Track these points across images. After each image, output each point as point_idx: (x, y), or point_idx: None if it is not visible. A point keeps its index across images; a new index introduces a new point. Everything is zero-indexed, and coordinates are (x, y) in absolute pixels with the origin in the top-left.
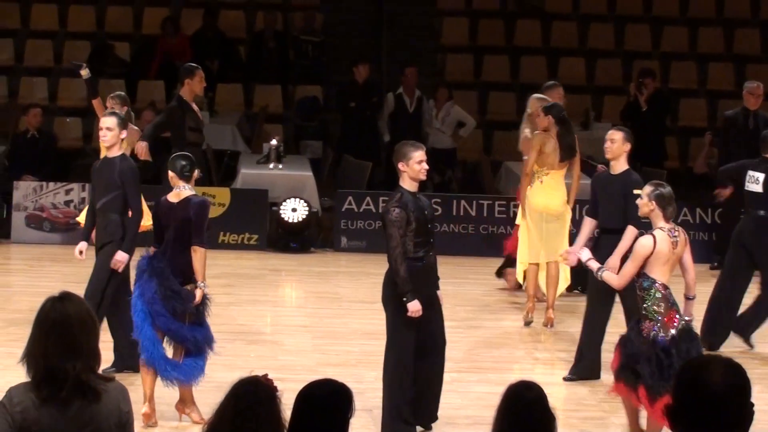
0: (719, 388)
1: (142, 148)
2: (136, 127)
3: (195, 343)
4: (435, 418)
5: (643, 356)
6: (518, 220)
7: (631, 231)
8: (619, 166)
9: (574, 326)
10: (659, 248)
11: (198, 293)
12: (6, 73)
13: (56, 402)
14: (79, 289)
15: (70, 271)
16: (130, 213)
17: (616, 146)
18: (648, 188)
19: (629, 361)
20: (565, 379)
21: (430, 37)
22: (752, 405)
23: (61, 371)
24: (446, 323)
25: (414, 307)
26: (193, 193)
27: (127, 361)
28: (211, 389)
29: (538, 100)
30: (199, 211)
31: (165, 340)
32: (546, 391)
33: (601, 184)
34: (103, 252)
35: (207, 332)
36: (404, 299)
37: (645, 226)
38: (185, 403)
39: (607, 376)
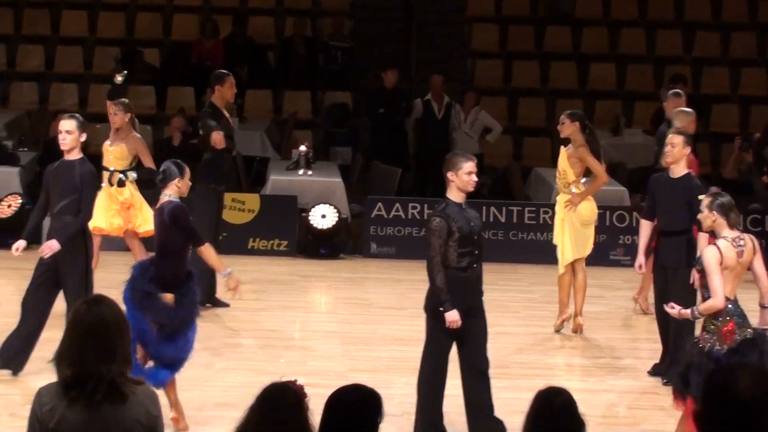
0: (746, 395)
1: (221, 137)
2: (138, 135)
3: (159, 355)
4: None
5: (694, 366)
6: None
7: (703, 237)
8: (679, 170)
9: (602, 333)
10: (723, 258)
11: (231, 281)
12: (36, 80)
13: (84, 403)
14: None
15: (100, 276)
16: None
17: (677, 150)
18: (706, 200)
19: (684, 370)
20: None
21: (459, 42)
22: None
23: (95, 374)
24: None
25: (451, 317)
26: (170, 199)
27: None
28: (242, 394)
29: (685, 114)
30: (174, 215)
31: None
32: (576, 397)
33: (661, 187)
34: (70, 264)
35: (177, 351)
36: (440, 309)
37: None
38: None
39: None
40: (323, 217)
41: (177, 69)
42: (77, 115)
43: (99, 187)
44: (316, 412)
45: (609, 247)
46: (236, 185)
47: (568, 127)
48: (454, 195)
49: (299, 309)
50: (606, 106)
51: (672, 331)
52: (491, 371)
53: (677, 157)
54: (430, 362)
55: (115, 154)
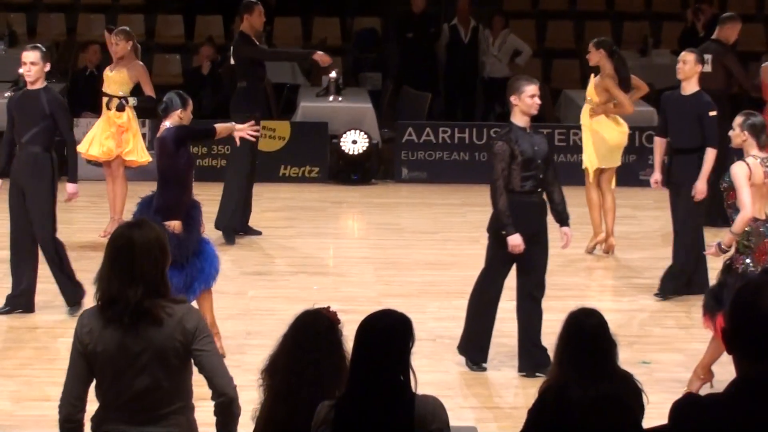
0: None
1: (322, 55)
2: (141, 63)
3: (192, 276)
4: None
5: (728, 285)
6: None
7: (711, 153)
8: (690, 87)
9: (634, 253)
10: (752, 175)
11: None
12: (64, 10)
13: (119, 325)
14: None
15: (130, 206)
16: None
17: (689, 67)
18: (739, 119)
19: (717, 288)
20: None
21: None
22: None
23: (122, 296)
24: None
25: (514, 241)
26: (168, 126)
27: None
28: (275, 322)
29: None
30: (177, 135)
31: None
32: (607, 317)
33: (672, 104)
34: (36, 194)
35: (185, 276)
36: (503, 233)
37: (721, 147)
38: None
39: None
40: (354, 143)
41: None
42: (39, 45)
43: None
44: (349, 338)
45: (638, 167)
46: (267, 113)
47: (594, 56)
48: (518, 119)
49: (331, 235)
50: (633, 27)
51: (682, 246)
52: None
53: (689, 74)
54: (485, 284)
55: (115, 79)
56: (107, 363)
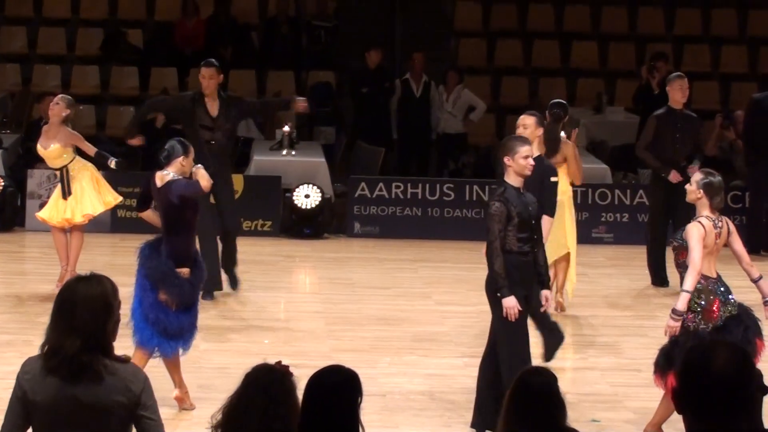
0: (722, 372)
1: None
2: (68, 131)
3: (179, 328)
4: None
5: (679, 344)
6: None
7: (546, 221)
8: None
9: (584, 311)
10: (706, 237)
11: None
12: (19, 61)
13: (59, 376)
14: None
15: (84, 258)
16: None
17: (529, 131)
18: (698, 176)
19: (669, 347)
20: None
21: (442, 22)
22: (763, 389)
23: (61, 347)
24: (459, 308)
25: (508, 303)
26: (174, 177)
27: None
28: (226, 376)
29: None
30: (181, 194)
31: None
32: (558, 375)
33: None
34: None
35: (192, 315)
36: (498, 294)
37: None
38: (177, 387)
39: (630, 361)
40: (307, 197)
41: (160, 50)
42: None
43: None
44: (300, 393)
45: (592, 225)
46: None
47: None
48: (512, 179)
49: (283, 289)
50: (588, 84)
51: None
52: (475, 350)
53: (531, 139)
54: (508, 349)
55: (54, 155)
56: (44, 414)
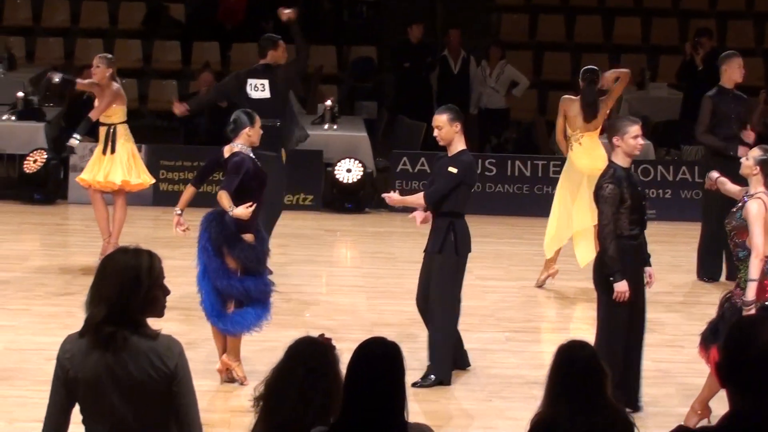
0: (765, 347)
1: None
2: (114, 88)
3: (246, 293)
4: (637, 400)
5: (727, 321)
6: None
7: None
8: (453, 148)
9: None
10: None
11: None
12: (62, 35)
13: (97, 352)
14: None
15: (126, 230)
16: None
17: (444, 132)
18: (757, 151)
19: (714, 322)
20: None
21: None
22: None
23: (90, 317)
24: (501, 283)
25: (620, 288)
26: (240, 149)
27: None
28: (265, 349)
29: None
30: (231, 166)
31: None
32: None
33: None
34: None
35: (262, 282)
36: (610, 279)
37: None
38: (230, 356)
39: (673, 337)
40: (348, 171)
41: (202, 24)
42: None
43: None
44: (342, 366)
45: None
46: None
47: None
48: (620, 160)
49: (324, 263)
50: (631, 60)
51: None
52: (517, 325)
53: (447, 138)
54: (606, 338)
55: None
56: (86, 390)
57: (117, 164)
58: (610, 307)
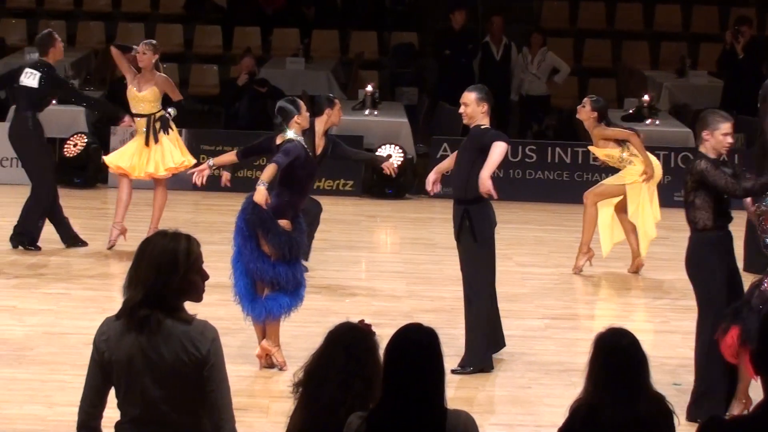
0: None
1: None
2: (164, 75)
3: (276, 279)
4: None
5: (754, 308)
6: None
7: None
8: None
9: (666, 274)
10: None
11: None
12: (104, 19)
13: (132, 334)
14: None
15: (167, 215)
16: None
17: (470, 109)
18: None
19: (741, 305)
20: None
21: None
22: None
23: (127, 299)
24: (540, 270)
25: None
26: (291, 137)
27: None
28: (306, 334)
29: None
30: (284, 149)
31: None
32: (639, 338)
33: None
34: None
35: (294, 270)
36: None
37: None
38: (270, 341)
39: None
40: (389, 157)
41: (243, 9)
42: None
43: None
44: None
45: (674, 188)
46: None
47: (585, 113)
48: (708, 152)
49: (364, 249)
50: (671, 48)
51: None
52: (556, 312)
53: (473, 116)
54: (708, 330)
55: (147, 98)
56: (120, 372)
57: (166, 154)
58: (711, 295)
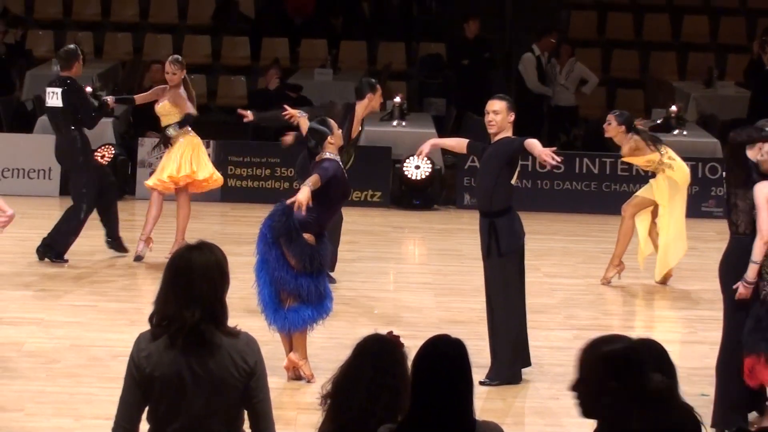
0: None
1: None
2: (178, 90)
3: (298, 290)
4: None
5: (751, 313)
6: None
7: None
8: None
9: (695, 285)
10: None
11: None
12: (131, 30)
13: (176, 349)
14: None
15: (194, 226)
16: None
17: (501, 118)
18: None
19: (751, 326)
20: None
21: None
22: None
23: (179, 318)
24: (568, 280)
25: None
26: (329, 157)
27: None
28: (334, 346)
29: None
30: (321, 168)
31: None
32: (667, 348)
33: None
34: None
35: (317, 283)
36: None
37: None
38: (297, 353)
39: None
40: (417, 168)
41: (271, 20)
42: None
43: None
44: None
45: (702, 199)
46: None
47: (613, 129)
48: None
49: (392, 260)
50: (699, 58)
51: None
52: (584, 323)
53: (502, 126)
54: (732, 342)
55: (162, 111)
56: (163, 388)
57: (185, 163)
58: (735, 307)
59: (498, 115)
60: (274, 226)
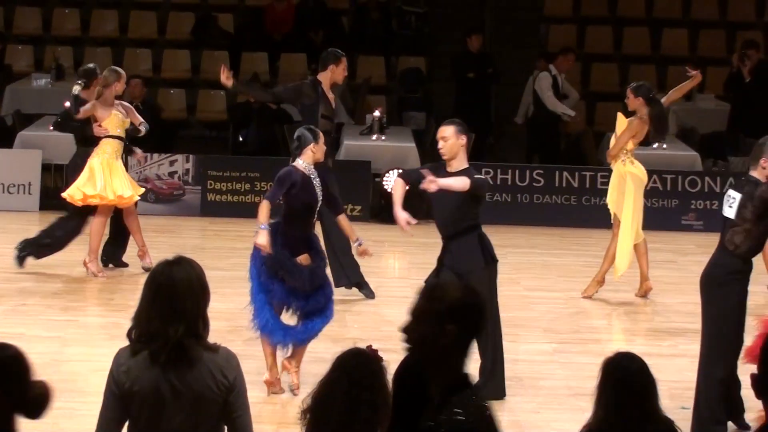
0: None
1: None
2: (129, 104)
3: (315, 307)
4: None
5: None
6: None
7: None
8: (457, 164)
9: (675, 298)
10: None
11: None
12: (110, 45)
13: (157, 364)
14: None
15: (174, 241)
16: None
17: (450, 144)
18: None
19: None
20: None
21: (533, 7)
22: None
23: (161, 335)
24: (548, 294)
25: None
26: (294, 164)
27: None
28: (314, 361)
29: None
30: (277, 178)
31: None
32: (647, 361)
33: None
34: None
35: (325, 292)
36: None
37: None
38: (294, 360)
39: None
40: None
41: (250, 34)
42: None
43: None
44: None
45: (681, 212)
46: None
47: (633, 102)
48: (762, 178)
49: (372, 274)
50: (678, 72)
51: None
52: (564, 336)
53: (454, 152)
54: (721, 349)
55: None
56: (143, 403)
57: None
58: (715, 319)
59: (447, 141)
60: (267, 264)
